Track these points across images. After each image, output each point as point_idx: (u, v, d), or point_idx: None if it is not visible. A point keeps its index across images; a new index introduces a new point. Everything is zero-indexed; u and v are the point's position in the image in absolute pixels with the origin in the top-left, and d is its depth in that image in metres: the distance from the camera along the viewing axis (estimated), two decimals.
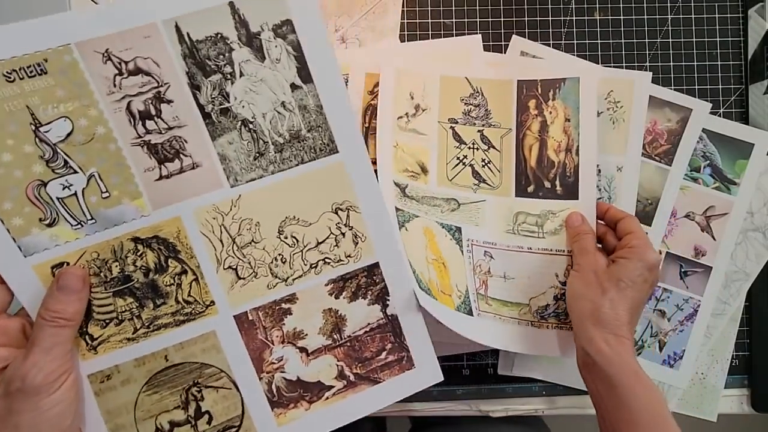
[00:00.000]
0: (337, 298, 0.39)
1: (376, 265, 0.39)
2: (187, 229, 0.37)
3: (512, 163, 0.50)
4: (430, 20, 0.54)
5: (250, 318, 0.38)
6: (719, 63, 0.55)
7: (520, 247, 0.48)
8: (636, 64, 0.55)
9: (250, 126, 0.36)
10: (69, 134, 0.34)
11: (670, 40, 0.55)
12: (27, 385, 0.32)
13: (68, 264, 0.35)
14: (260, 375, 0.39)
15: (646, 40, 0.55)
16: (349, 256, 0.39)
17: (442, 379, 0.42)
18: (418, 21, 0.54)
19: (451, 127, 0.49)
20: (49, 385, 0.33)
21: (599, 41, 0.55)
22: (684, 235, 0.53)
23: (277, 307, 0.38)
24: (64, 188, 0.34)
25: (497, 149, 0.50)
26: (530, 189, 0.49)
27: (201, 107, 0.35)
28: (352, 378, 0.40)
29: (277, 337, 0.39)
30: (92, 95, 0.34)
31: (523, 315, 0.48)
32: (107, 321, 0.36)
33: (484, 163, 0.50)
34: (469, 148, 0.50)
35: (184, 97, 0.35)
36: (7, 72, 0.32)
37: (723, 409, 0.54)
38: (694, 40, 0.55)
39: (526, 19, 0.55)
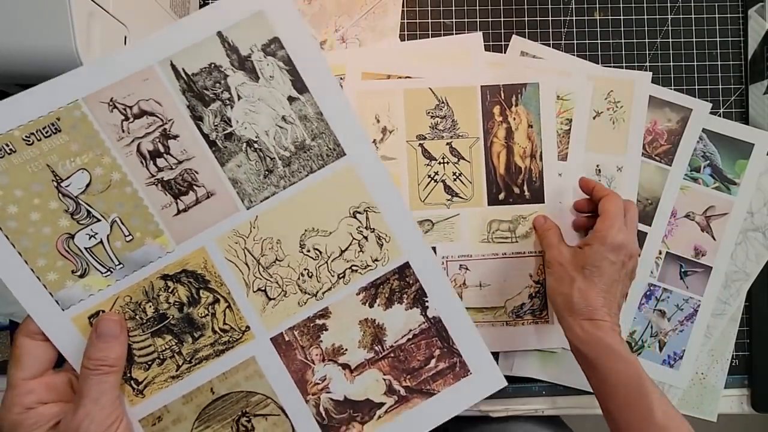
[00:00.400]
0: (371, 306, 0.37)
1: (407, 265, 0.37)
2: (213, 258, 0.36)
3: (482, 172, 0.50)
4: (430, 20, 0.54)
5: (287, 338, 0.36)
6: (719, 63, 0.54)
7: (495, 254, 0.49)
8: (636, 64, 0.54)
9: (255, 145, 0.36)
10: (88, 185, 0.35)
11: (670, 40, 0.54)
12: None
13: (103, 311, 0.35)
14: (306, 398, 0.36)
15: (646, 40, 0.54)
16: (376, 260, 0.37)
17: (505, 384, 0.37)
18: (418, 21, 0.54)
19: (419, 144, 0.50)
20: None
21: (599, 41, 0.54)
22: (684, 235, 0.53)
23: (311, 324, 0.36)
24: (90, 238, 0.35)
25: (467, 160, 0.50)
26: (501, 196, 0.50)
27: (206, 136, 0.35)
28: (402, 392, 0.37)
29: (316, 355, 0.36)
30: (103, 144, 0.35)
31: (498, 317, 0.49)
32: (149, 363, 0.36)
33: (455, 177, 0.50)
34: (440, 163, 0.50)
35: (189, 129, 0.35)
36: (25, 136, 0.34)
37: (723, 409, 0.54)
38: (694, 40, 0.54)
39: (526, 19, 0.54)
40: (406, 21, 0.53)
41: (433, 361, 0.37)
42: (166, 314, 0.36)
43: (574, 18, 0.54)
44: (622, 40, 0.54)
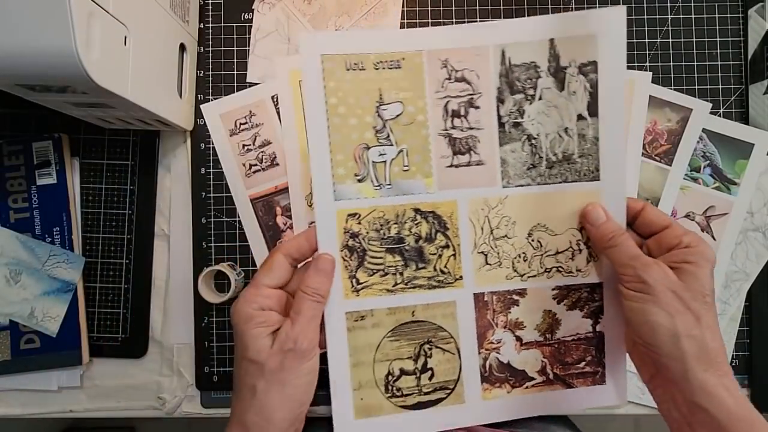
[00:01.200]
0: (558, 303, 0.43)
1: (600, 285, 0.42)
2: (459, 213, 0.41)
3: None
4: (430, 20, 0.53)
5: (485, 299, 0.42)
6: (719, 63, 0.53)
7: None
8: (636, 64, 0.53)
9: (533, 141, 0.41)
10: (398, 115, 0.40)
11: (670, 40, 0.53)
12: (298, 347, 0.36)
13: (359, 215, 0.41)
14: (480, 350, 0.42)
15: (646, 40, 0.53)
16: (579, 270, 0.42)
17: (626, 402, 0.44)
18: (418, 21, 0.53)
19: None
20: (310, 351, 0.37)
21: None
22: None
23: (508, 296, 0.42)
24: (380, 155, 0.40)
25: None
26: None
27: (500, 117, 0.41)
28: (551, 376, 0.43)
29: (501, 321, 0.43)
30: (424, 90, 0.40)
31: None
32: (374, 271, 0.41)
33: None
34: None
35: (490, 106, 0.40)
36: (376, 62, 0.39)
37: None
38: (694, 40, 0.53)
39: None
40: (406, 21, 0.53)
41: (583, 363, 0.43)
42: (403, 239, 0.41)
43: None
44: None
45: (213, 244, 0.54)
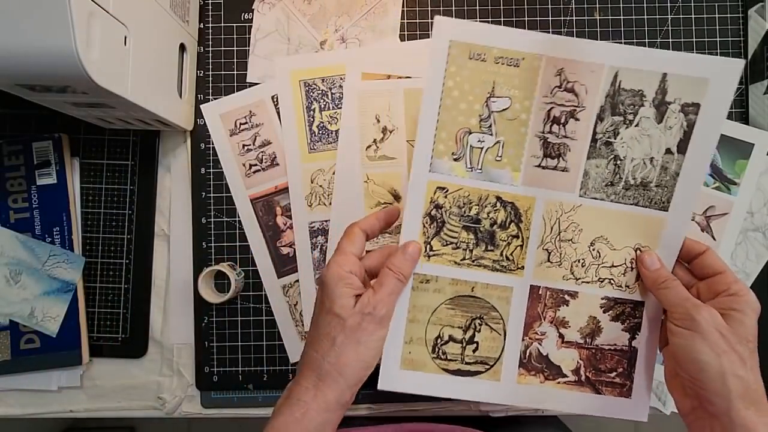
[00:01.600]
0: (604, 312, 0.46)
1: (642, 304, 0.46)
2: (535, 209, 0.45)
3: None
4: (430, 20, 0.53)
5: (540, 293, 0.46)
6: None
7: None
8: None
9: (618, 162, 0.44)
10: (504, 110, 0.43)
11: (670, 40, 0.53)
12: (376, 312, 0.40)
13: (447, 190, 0.44)
14: (523, 337, 0.46)
15: (646, 40, 0.53)
16: (628, 286, 0.46)
17: (646, 420, 0.47)
18: (418, 21, 0.53)
19: None
20: (385, 319, 0.41)
21: (599, 41, 0.52)
22: None
23: (561, 295, 0.46)
24: (478, 141, 0.44)
25: None
26: None
27: (594, 133, 0.44)
28: (583, 378, 0.46)
29: (549, 316, 0.46)
30: (534, 93, 0.43)
31: None
32: (448, 242, 0.45)
33: None
34: None
35: (588, 121, 0.44)
36: (497, 56, 0.42)
37: None
38: (694, 40, 0.53)
39: (526, 19, 0.54)
40: (406, 21, 0.53)
41: (614, 373, 0.46)
42: (480, 221, 0.45)
43: (574, 18, 0.53)
44: (622, 40, 0.53)
45: (213, 244, 0.53)
